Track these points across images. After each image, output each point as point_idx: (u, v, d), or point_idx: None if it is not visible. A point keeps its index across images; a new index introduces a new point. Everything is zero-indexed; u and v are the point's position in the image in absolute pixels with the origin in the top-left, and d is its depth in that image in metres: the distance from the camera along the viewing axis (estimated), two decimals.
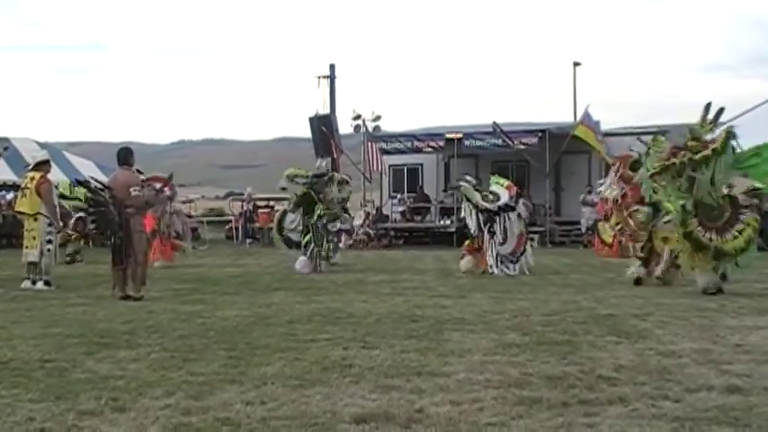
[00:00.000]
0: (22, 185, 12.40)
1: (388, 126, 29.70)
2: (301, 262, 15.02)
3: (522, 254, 14.42)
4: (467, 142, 26.10)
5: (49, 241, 11.95)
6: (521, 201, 14.97)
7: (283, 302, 9.99)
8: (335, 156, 26.52)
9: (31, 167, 12.47)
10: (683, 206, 10.77)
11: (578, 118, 26.69)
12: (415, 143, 27.25)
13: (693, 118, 11.33)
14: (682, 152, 10.72)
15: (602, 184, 16.43)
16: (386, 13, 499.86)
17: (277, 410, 4.65)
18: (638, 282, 11.90)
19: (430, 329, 7.62)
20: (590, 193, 24.05)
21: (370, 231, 26.16)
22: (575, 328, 7.70)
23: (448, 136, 26.42)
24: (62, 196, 16.48)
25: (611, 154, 23.19)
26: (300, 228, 15.51)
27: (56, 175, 16.81)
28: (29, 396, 5.00)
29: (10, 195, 24.15)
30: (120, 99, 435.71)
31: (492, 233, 14.11)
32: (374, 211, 27.67)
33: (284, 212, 16.42)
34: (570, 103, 34.95)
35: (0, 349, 6.62)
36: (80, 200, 15.98)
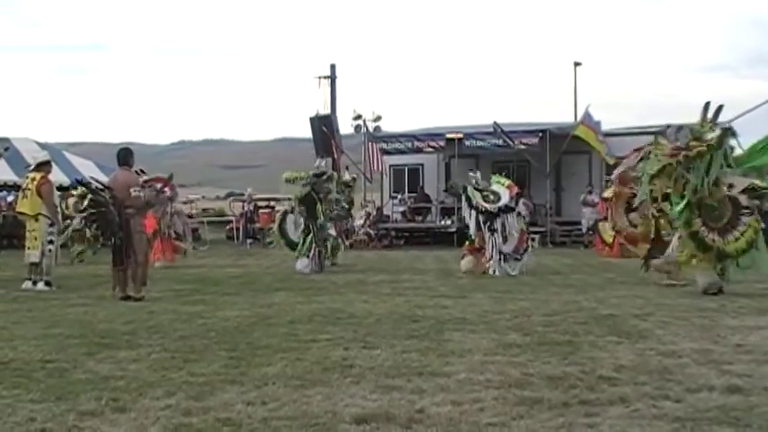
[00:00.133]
0: (23, 186, 12.40)
1: (388, 126, 29.72)
2: (302, 262, 15.04)
3: (524, 251, 14.44)
4: (467, 142, 26.08)
5: (50, 242, 11.96)
6: (521, 200, 14.98)
7: (284, 303, 9.99)
8: (336, 156, 26.54)
9: (31, 168, 12.47)
10: (688, 205, 10.77)
11: (579, 118, 26.68)
12: (416, 143, 27.24)
13: (693, 118, 11.36)
14: (682, 152, 10.73)
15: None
16: (386, 14, 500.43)
17: (278, 411, 4.65)
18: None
19: (431, 329, 7.62)
20: (590, 193, 24.07)
21: (371, 231, 26.16)
22: (575, 328, 7.70)
23: (448, 136, 26.41)
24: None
25: (612, 154, 23.22)
26: (302, 228, 15.52)
27: (56, 175, 16.79)
28: (30, 396, 5.01)
29: (11, 197, 24.16)
30: (120, 99, 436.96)
31: (492, 230, 14.11)
32: (375, 212, 27.66)
33: (285, 213, 16.44)
34: (571, 103, 35.06)
35: (1, 350, 6.62)
36: None
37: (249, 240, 27.48)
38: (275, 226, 17.08)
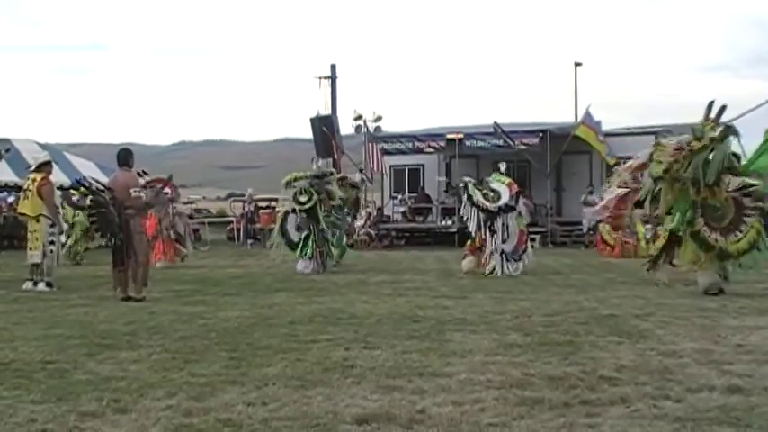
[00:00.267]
0: (24, 187, 12.40)
1: (389, 126, 29.71)
2: (303, 263, 15.04)
3: (524, 252, 14.43)
4: (468, 143, 26.05)
5: (52, 242, 11.96)
6: (522, 200, 14.97)
7: (285, 303, 9.99)
8: (336, 156, 26.52)
9: (32, 169, 12.48)
10: (692, 204, 10.76)
11: (579, 118, 26.66)
12: (416, 144, 27.21)
13: (694, 118, 11.36)
14: (684, 152, 10.72)
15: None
16: (387, 14, 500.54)
17: (278, 411, 4.65)
18: None
19: (431, 330, 7.62)
20: (591, 193, 24.05)
21: (372, 232, 26.16)
22: (576, 328, 7.70)
23: (449, 136, 26.38)
24: None
25: (612, 154, 23.22)
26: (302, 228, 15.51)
27: (57, 176, 16.80)
28: (30, 397, 5.01)
29: (11, 198, 24.16)
30: (121, 100, 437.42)
31: (493, 231, 14.10)
32: (375, 212, 27.66)
33: (286, 213, 16.42)
34: (571, 104, 35.00)
35: (2, 350, 6.63)
36: None
37: (250, 241, 27.47)
38: (276, 226, 17.05)
